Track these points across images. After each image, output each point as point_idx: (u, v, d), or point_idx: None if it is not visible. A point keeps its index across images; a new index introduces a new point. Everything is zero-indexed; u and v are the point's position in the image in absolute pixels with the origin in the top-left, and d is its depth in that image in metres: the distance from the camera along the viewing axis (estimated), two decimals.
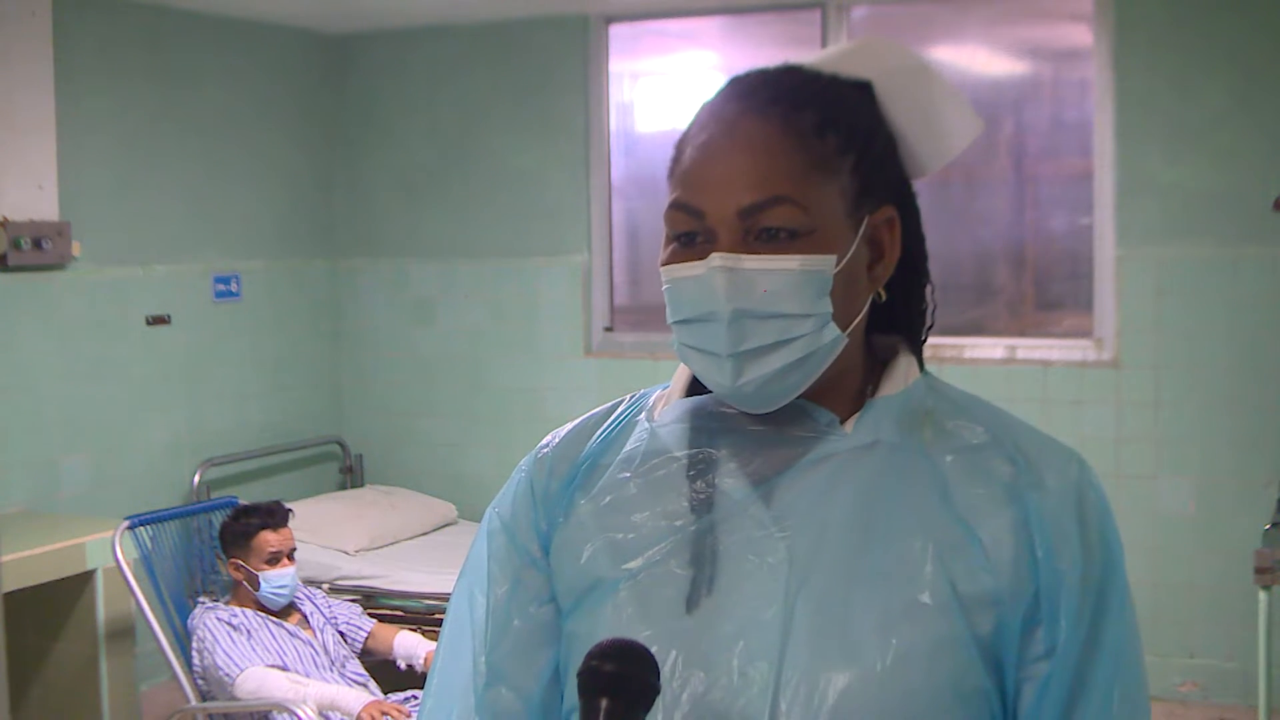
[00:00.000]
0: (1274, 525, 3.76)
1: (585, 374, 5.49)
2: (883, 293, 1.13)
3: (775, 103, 1.08)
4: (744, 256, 1.05)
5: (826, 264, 1.06)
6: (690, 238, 1.08)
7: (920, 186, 1.20)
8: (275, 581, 3.73)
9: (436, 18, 5.50)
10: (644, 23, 5.52)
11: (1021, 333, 5.08)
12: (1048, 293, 5.19)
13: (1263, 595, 3.56)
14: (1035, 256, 5.15)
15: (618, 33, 5.53)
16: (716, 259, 1.05)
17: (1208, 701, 4.72)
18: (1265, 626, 3.58)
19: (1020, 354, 4.96)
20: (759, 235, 1.05)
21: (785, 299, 1.05)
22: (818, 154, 1.07)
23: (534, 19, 5.45)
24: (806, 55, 1.17)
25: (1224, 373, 4.65)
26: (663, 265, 1.10)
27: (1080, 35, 4.97)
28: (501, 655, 1.16)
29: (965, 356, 4.99)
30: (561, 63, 5.48)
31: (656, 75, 5.75)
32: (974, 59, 5.26)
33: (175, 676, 3.67)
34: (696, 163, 1.08)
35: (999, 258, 5.21)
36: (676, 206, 1.08)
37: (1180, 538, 4.71)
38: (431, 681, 1.21)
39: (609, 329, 5.57)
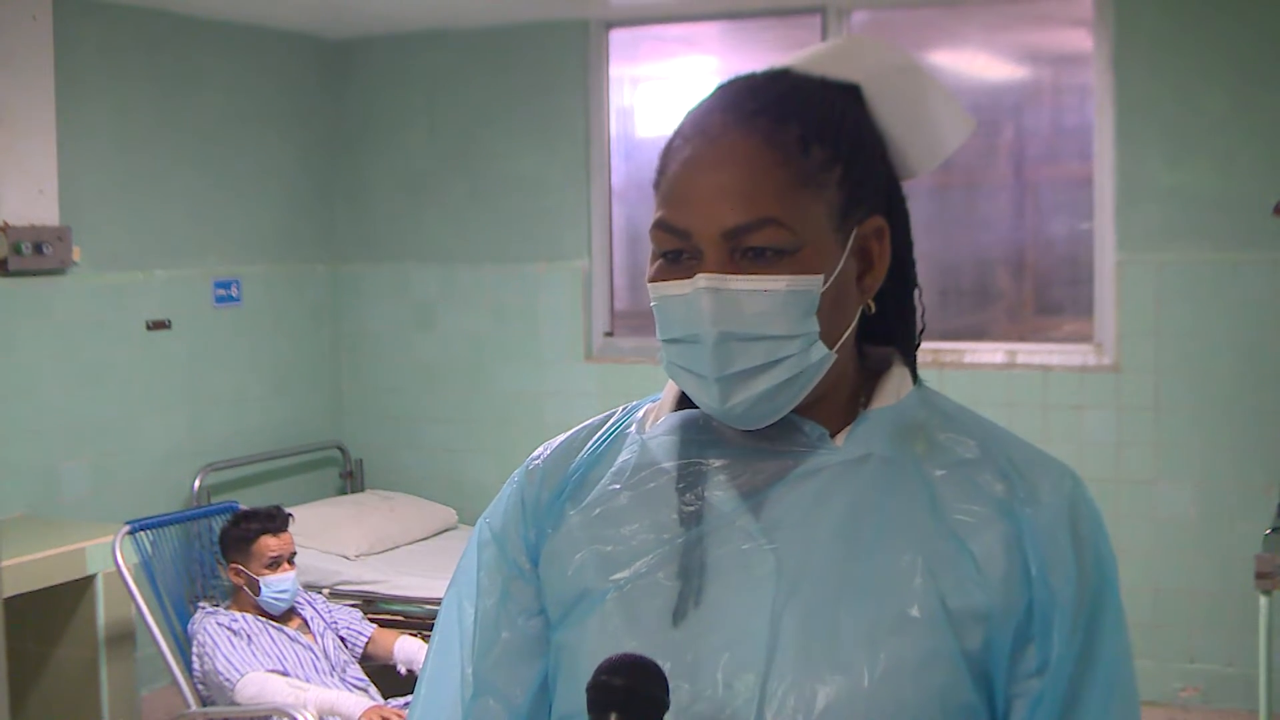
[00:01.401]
0: (1274, 530, 3.77)
1: (585, 379, 5.49)
2: (872, 305, 1.12)
3: (760, 114, 1.06)
4: (730, 277, 1.03)
5: (814, 284, 1.04)
6: (676, 255, 1.07)
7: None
8: (276, 586, 3.73)
9: (437, 23, 5.51)
10: (644, 28, 5.53)
11: (1022, 337, 5.08)
12: (1048, 297, 5.19)
13: (1263, 600, 3.55)
14: (1035, 261, 5.15)
15: (618, 38, 5.53)
16: (702, 279, 1.04)
17: (1208, 707, 4.71)
18: (1266, 632, 3.58)
19: (1021, 359, 4.96)
20: (745, 254, 1.04)
21: (772, 320, 1.04)
22: (803, 169, 1.05)
23: (534, 24, 5.46)
24: (794, 54, 1.15)
25: (1224, 377, 4.65)
26: (649, 282, 1.08)
27: (1080, 40, 4.98)
28: (489, 666, 1.16)
29: (966, 361, 4.99)
30: (562, 68, 5.48)
31: (656, 80, 5.75)
32: (974, 64, 5.27)
33: (175, 681, 3.67)
34: (680, 179, 1.06)
35: (999, 262, 5.21)
36: (661, 226, 1.07)
37: (1180, 542, 4.71)
38: (419, 691, 1.21)
39: (609, 334, 5.58)
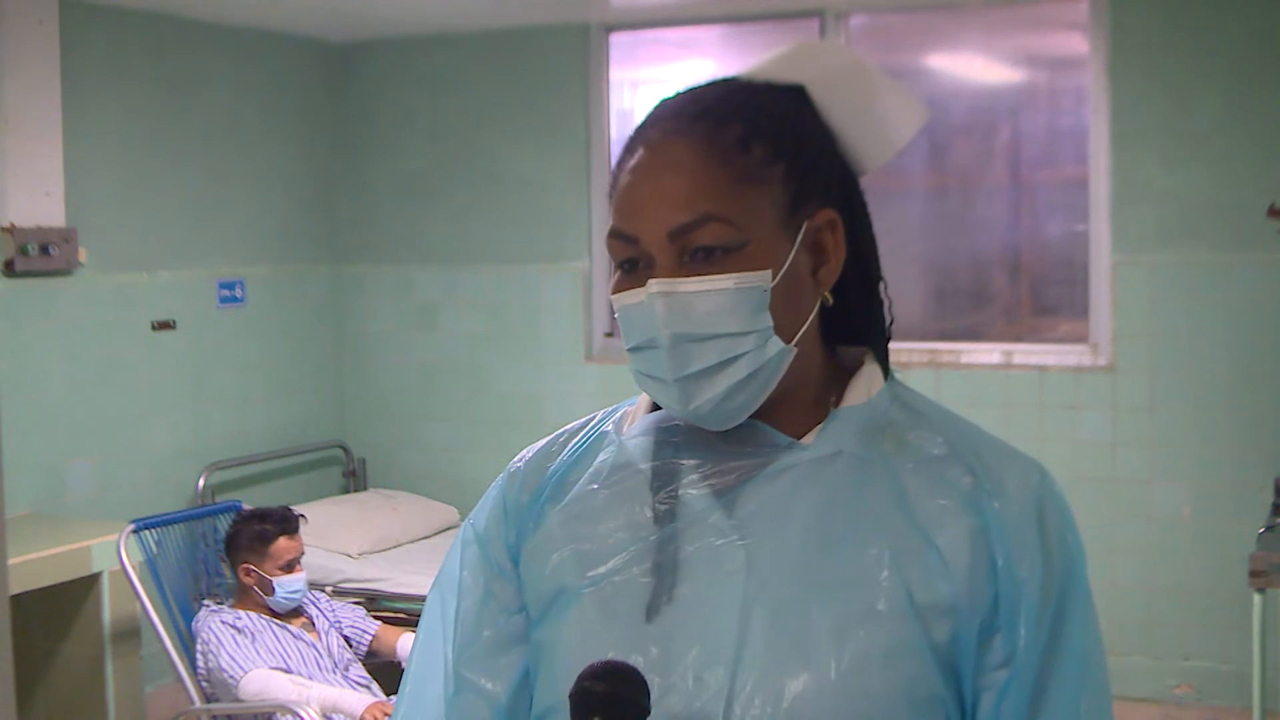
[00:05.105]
0: (1268, 529, 3.78)
1: (585, 379, 5.53)
2: (829, 297, 1.13)
3: (699, 120, 1.09)
4: (680, 280, 1.05)
5: (762, 279, 1.06)
6: (632, 264, 1.09)
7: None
8: (289, 587, 3.77)
9: (439, 26, 5.55)
10: (644, 31, 5.56)
11: (1018, 338, 5.11)
12: (1044, 298, 5.22)
13: (1257, 598, 3.57)
14: (1031, 263, 5.19)
15: (618, 41, 5.57)
16: (654, 285, 1.06)
17: (1203, 704, 4.75)
18: (1259, 629, 3.60)
19: (1017, 359, 4.99)
20: (694, 255, 1.06)
21: (723, 319, 1.05)
22: (744, 166, 1.07)
23: (535, 27, 5.49)
24: (743, 65, 1.17)
25: (1219, 378, 4.68)
26: (611, 294, 1.11)
27: (1076, 43, 5.01)
28: (470, 662, 1.19)
29: (962, 362, 5.02)
30: (562, 71, 5.52)
31: (656, 83, 5.79)
32: (971, 67, 5.30)
33: (180, 679, 3.70)
34: (627, 189, 1.10)
35: (996, 264, 5.24)
36: (613, 234, 1.10)
37: (1175, 541, 4.74)
38: (404, 689, 1.24)
39: (609, 335, 5.61)
